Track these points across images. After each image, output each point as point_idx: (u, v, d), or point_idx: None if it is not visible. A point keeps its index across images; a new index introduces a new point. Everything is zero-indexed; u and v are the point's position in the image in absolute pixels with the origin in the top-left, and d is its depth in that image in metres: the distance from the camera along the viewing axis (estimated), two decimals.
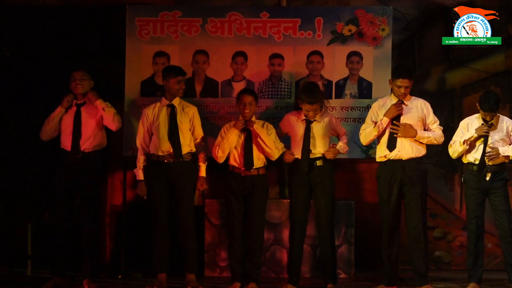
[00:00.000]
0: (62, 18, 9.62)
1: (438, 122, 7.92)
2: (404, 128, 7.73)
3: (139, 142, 8.09)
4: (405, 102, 7.84)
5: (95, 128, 8.07)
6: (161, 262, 8.01)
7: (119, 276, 8.67)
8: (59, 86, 8.91)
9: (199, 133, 8.10)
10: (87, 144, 8.05)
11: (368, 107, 8.47)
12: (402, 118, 7.79)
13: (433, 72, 9.51)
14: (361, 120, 8.49)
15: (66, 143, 8.07)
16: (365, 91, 8.67)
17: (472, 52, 9.38)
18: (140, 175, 8.03)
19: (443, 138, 7.91)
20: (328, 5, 9.44)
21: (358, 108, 8.64)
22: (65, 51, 9.56)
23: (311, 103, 7.83)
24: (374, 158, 8.20)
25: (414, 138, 7.76)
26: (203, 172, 8.08)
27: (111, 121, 8.06)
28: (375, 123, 7.82)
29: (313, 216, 8.10)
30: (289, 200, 8.37)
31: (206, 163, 8.10)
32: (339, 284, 8.05)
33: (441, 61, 9.53)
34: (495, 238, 8.62)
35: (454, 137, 8.01)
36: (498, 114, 7.89)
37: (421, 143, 7.80)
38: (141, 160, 8.04)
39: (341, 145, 7.98)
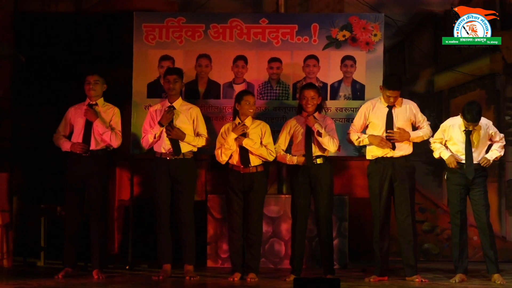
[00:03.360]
0: (74, 24, 9.83)
1: (426, 119, 8.11)
2: (399, 134, 7.97)
3: (144, 127, 8.31)
4: (396, 105, 8.04)
5: (105, 128, 8.22)
6: (165, 254, 8.20)
7: (127, 267, 8.84)
8: (70, 88, 9.14)
9: (201, 132, 8.24)
10: (95, 144, 8.20)
11: None
12: (394, 121, 8.00)
13: (422, 75, 9.73)
14: None
15: (76, 141, 8.22)
16: (358, 93, 8.81)
17: (459, 56, 9.54)
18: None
19: (432, 133, 8.11)
20: (324, 12, 9.64)
21: (352, 109, 8.76)
22: (75, 55, 9.75)
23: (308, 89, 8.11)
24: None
25: (408, 140, 8.01)
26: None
27: (109, 139, 8.26)
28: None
29: (310, 211, 8.23)
30: (287, 196, 8.58)
31: (194, 142, 8.16)
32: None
33: (430, 65, 9.72)
34: None
35: (436, 136, 8.14)
36: None
37: (410, 141, 8.03)
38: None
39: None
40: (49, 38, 9.83)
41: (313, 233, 8.78)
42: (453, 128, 8.10)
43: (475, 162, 8.00)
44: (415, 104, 8.17)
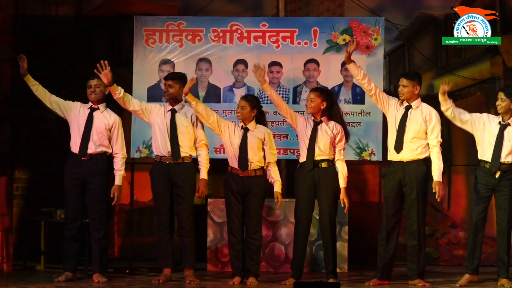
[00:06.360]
0: (74, 27, 9.87)
1: (437, 136, 7.95)
2: (440, 192, 7.96)
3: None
4: (412, 105, 8.05)
5: (104, 134, 8.22)
6: (165, 257, 8.18)
7: (127, 271, 8.84)
8: (70, 91, 9.12)
9: (201, 138, 8.24)
10: (94, 148, 8.19)
11: (361, 112, 8.73)
12: (407, 121, 7.95)
13: (422, 79, 9.31)
14: (354, 124, 8.74)
15: (75, 145, 8.23)
16: (359, 97, 8.83)
17: (460, 60, 9.59)
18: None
19: (441, 158, 7.94)
20: (324, 16, 9.66)
21: (352, 113, 8.81)
22: (76, 59, 9.79)
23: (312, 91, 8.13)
24: (367, 160, 8.42)
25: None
26: (203, 175, 8.23)
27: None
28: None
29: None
30: (287, 200, 8.60)
31: (208, 166, 8.21)
32: None
33: (430, 69, 9.74)
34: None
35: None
36: None
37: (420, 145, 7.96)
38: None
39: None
40: (49, 41, 9.88)
41: (314, 237, 8.82)
42: (490, 120, 8.01)
43: (502, 161, 7.93)
44: (433, 113, 8.07)
